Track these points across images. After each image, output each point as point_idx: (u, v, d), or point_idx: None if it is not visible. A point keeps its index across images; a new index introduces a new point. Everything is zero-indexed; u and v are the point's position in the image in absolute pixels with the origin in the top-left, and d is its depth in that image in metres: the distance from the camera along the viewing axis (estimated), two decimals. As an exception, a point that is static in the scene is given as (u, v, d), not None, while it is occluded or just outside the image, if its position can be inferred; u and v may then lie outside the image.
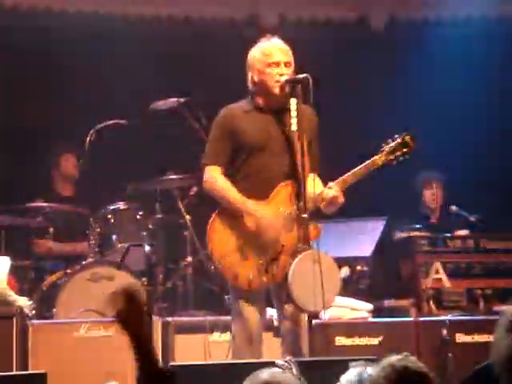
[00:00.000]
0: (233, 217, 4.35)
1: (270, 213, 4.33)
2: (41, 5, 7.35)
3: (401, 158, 4.49)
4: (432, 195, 6.83)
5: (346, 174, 4.41)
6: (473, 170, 7.23)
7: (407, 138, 4.53)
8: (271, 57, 4.41)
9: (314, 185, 4.34)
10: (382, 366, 2.28)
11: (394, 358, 2.28)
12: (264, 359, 4.39)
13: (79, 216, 6.38)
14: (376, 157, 4.48)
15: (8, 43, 6.96)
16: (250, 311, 4.34)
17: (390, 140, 4.51)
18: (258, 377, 2.42)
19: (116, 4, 7.54)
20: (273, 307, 4.65)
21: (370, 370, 2.34)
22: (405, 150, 4.50)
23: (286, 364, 2.87)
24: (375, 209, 6.63)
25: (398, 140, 4.51)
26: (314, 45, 7.28)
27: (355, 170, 4.42)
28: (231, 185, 4.36)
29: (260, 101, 4.45)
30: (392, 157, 4.49)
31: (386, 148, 4.49)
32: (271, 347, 5.06)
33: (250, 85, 4.46)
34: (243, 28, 7.47)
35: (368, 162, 4.46)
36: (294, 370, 2.87)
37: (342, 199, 4.37)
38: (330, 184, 4.36)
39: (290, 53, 4.44)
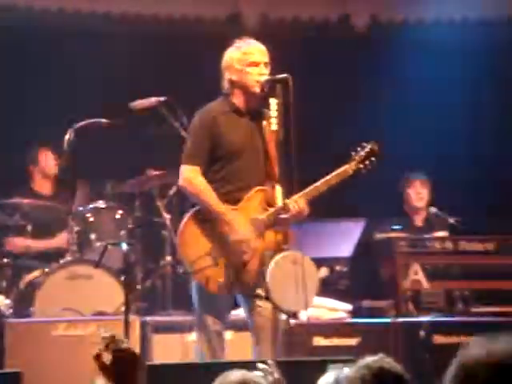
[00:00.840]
0: (206, 221, 4.33)
1: (243, 221, 4.31)
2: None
3: (369, 167, 4.53)
4: (417, 194, 6.79)
5: (318, 182, 4.42)
6: (450, 171, 7.26)
7: (375, 146, 4.58)
8: (251, 56, 4.40)
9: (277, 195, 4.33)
10: (357, 367, 2.26)
11: (369, 359, 2.27)
12: (243, 359, 4.39)
13: (57, 214, 6.35)
14: (347, 166, 4.51)
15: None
16: (213, 323, 4.32)
17: (358, 148, 4.55)
18: (229, 377, 2.39)
19: (101, 2, 7.52)
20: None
21: (346, 371, 2.33)
22: (373, 158, 4.55)
23: (268, 368, 2.85)
24: (356, 209, 6.64)
25: (367, 149, 4.55)
26: (296, 44, 7.29)
27: (327, 178, 4.44)
28: (210, 188, 4.34)
29: (237, 102, 4.43)
30: (362, 165, 4.54)
31: (357, 157, 4.53)
32: (251, 347, 5.05)
33: (226, 85, 4.45)
34: (225, 27, 7.46)
35: (339, 170, 4.49)
36: (276, 374, 2.85)
37: (306, 212, 4.37)
38: (295, 197, 4.35)
39: (267, 54, 4.44)
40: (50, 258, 6.12)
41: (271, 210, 4.33)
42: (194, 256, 4.30)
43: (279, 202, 4.32)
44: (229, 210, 4.33)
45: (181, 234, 4.37)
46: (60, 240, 6.30)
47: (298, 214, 4.34)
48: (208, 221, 4.34)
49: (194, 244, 4.32)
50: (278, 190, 4.35)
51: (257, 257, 4.33)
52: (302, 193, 4.38)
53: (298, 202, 4.33)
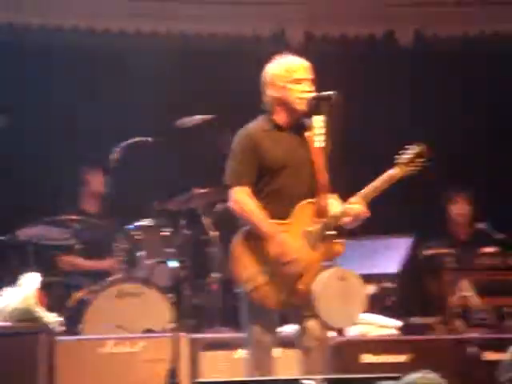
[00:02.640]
0: (257, 239, 4.32)
1: (294, 239, 4.30)
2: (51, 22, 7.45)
3: (417, 169, 4.48)
4: (458, 210, 6.76)
5: (367, 189, 4.38)
6: (499, 186, 7.20)
7: (421, 148, 4.51)
8: (294, 74, 4.38)
9: (333, 203, 4.33)
10: (402, 383, 2.26)
11: (414, 376, 2.27)
12: (292, 376, 4.38)
13: (106, 233, 6.43)
14: (394, 170, 4.46)
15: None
16: (264, 340, 4.31)
17: (404, 151, 4.50)
18: None
19: (138, 21, 7.63)
20: (289, 323, 4.62)
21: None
22: (420, 160, 4.49)
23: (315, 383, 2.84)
24: (403, 226, 6.61)
25: (413, 151, 4.49)
26: (340, 61, 7.30)
27: (375, 183, 4.40)
28: (260, 209, 4.34)
29: (279, 118, 4.42)
30: (409, 168, 4.47)
31: (403, 160, 4.47)
32: (291, 364, 5.05)
33: (267, 102, 4.44)
34: (269, 45, 7.49)
35: (386, 175, 4.43)
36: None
37: (365, 214, 4.35)
38: (353, 199, 4.34)
39: (312, 70, 4.44)
40: (99, 275, 6.18)
41: (332, 214, 4.30)
42: (248, 274, 4.29)
43: (336, 209, 4.30)
44: (279, 230, 4.31)
45: (234, 253, 4.35)
46: (109, 264, 6.37)
47: (357, 216, 4.32)
48: (261, 239, 4.33)
49: (248, 262, 4.31)
50: (333, 199, 4.34)
51: (312, 269, 4.31)
52: (358, 194, 4.36)
53: (356, 204, 4.32)
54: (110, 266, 6.35)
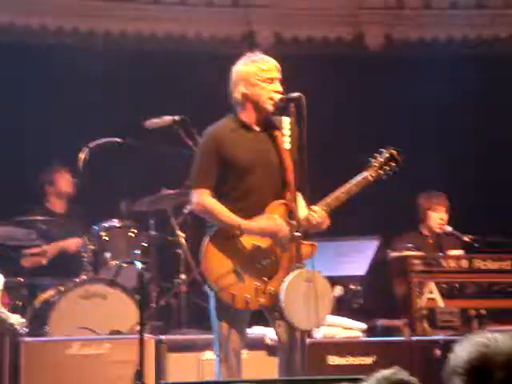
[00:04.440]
0: (226, 240, 4.29)
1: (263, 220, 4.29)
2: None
3: (390, 173, 4.48)
4: (440, 219, 6.69)
5: (338, 192, 4.37)
6: (466, 190, 7.26)
7: (394, 152, 4.51)
8: (267, 73, 4.34)
9: (301, 207, 4.31)
10: (375, 379, 2.24)
11: (387, 372, 2.25)
12: (258, 378, 4.38)
13: (73, 233, 6.38)
14: (366, 173, 4.45)
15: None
16: (233, 340, 4.28)
17: (377, 155, 4.49)
18: None
19: (117, 23, 7.60)
20: (264, 325, 4.61)
21: (364, 384, 2.30)
22: (393, 164, 4.49)
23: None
24: (370, 227, 6.62)
25: (386, 154, 4.49)
26: (311, 63, 7.32)
27: (347, 187, 4.38)
28: (221, 205, 4.32)
29: (246, 117, 4.38)
30: (382, 171, 4.47)
31: (376, 163, 4.47)
32: (265, 366, 5.04)
33: (237, 98, 4.37)
34: (239, 46, 7.49)
35: (359, 178, 4.42)
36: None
37: (326, 223, 4.34)
38: (314, 208, 4.31)
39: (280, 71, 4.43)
40: (65, 274, 6.12)
41: (293, 222, 4.29)
42: (218, 274, 4.26)
43: (301, 212, 4.28)
44: (248, 222, 4.29)
45: (203, 253, 4.32)
46: (75, 242, 6.29)
47: (318, 225, 4.30)
48: (229, 238, 4.31)
49: (217, 263, 4.28)
50: (300, 200, 4.32)
51: (281, 271, 4.30)
52: (322, 203, 4.34)
53: (318, 213, 4.30)
54: (76, 245, 6.28)
